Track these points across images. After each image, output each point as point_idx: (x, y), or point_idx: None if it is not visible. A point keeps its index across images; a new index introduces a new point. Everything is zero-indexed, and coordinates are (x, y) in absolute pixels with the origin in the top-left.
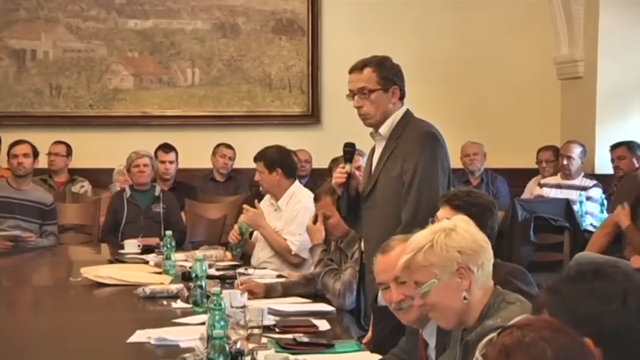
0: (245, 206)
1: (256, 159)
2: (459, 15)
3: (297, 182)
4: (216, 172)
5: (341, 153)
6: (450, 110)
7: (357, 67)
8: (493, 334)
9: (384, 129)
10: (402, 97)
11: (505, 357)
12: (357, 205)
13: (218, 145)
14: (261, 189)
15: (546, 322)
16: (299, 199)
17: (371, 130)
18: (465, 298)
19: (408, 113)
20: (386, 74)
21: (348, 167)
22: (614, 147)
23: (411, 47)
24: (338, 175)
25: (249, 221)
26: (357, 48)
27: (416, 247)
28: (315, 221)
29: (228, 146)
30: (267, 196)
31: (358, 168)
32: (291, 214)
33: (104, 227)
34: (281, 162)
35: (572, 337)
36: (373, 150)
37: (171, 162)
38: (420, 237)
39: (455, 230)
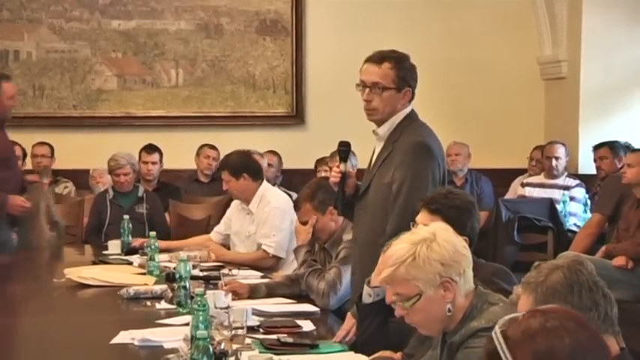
0: (209, 246)
1: (221, 168)
2: (443, 16)
3: (265, 183)
4: (200, 173)
5: (326, 153)
6: (434, 111)
7: (375, 59)
8: (518, 314)
9: (383, 129)
10: (411, 100)
11: (528, 339)
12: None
13: (202, 146)
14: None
15: (572, 315)
16: (268, 201)
17: (368, 128)
18: (449, 310)
19: (410, 115)
20: (403, 74)
21: (342, 166)
22: (596, 147)
23: (396, 48)
24: (333, 174)
25: (217, 260)
26: (341, 48)
27: (397, 260)
28: (304, 222)
29: (212, 147)
30: (238, 201)
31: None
32: (262, 217)
33: (87, 228)
34: (245, 166)
35: (594, 335)
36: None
37: (154, 163)
38: (401, 250)
39: (435, 241)
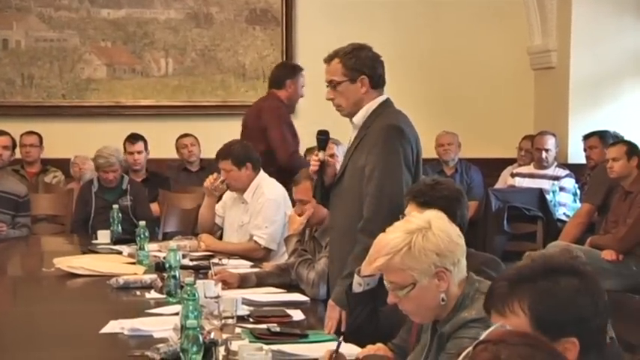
0: (199, 237)
1: (222, 158)
2: (434, 6)
3: (261, 172)
4: (187, 163)
5: (315, 143)
6: (424, 101)
7: (327, 59)
8: (469, 349)
9: (358, 118)
10: (376, 86)
11: None
12: None
13: (177, 139)
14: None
15: (523, 337)
16: (263, 191)
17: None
18: (443, 300)
19: (385, 103)
20: (352, 64)
21: (321, 155)
22: (586, 137)
23: (386, 38)
24: (313, 163)
25: (208, 249)
26: (331, 38)
27: (392, 249)
28: (300, 213)
29: (186, 135)
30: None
31: (332, 156)
32: (257, 207)
33: (74, 220)
34: (248, 157)
35: (551, 352)
36: None
37: (139, 152)
38: (397, 239)
39: (430, 229)
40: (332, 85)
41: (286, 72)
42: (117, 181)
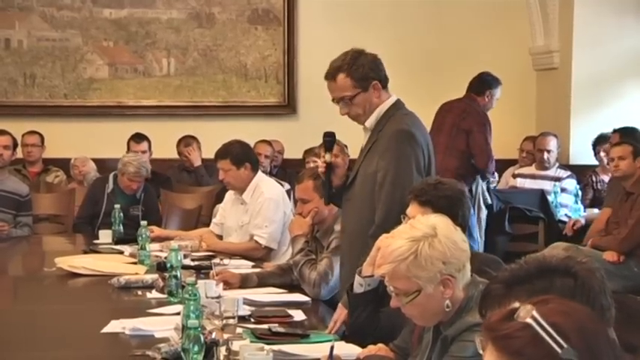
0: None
1: (220, 157)
2: (435, 6)
3: (259, 173)
4: (190, 164)
5: (317, 143)
6: (425, 102)
7: (330, 76)
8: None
9: (370, 122)
10: (385, 87)
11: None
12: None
13: (179, 143)
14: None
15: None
16: (262, 191)
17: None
18: (447, 306)
19: (396, 105)
20: (360, 74)
21: (327, 157)
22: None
23: (387, 38)
24: (320, 165)
25: (209, 249)
26: (333, 38)
27: (398, 257)
28: (300, 212)
29: (186, 142)
30: (231, 191)
31: (337, 156)
32: (256, 207)
33: (80, 215)
34: (247, 157)
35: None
36: None
37: (143, 152)
38: (402, 247)
39: (437, 237)
40: (344, 100)
41: (490, 81)
42: (137, 190)
